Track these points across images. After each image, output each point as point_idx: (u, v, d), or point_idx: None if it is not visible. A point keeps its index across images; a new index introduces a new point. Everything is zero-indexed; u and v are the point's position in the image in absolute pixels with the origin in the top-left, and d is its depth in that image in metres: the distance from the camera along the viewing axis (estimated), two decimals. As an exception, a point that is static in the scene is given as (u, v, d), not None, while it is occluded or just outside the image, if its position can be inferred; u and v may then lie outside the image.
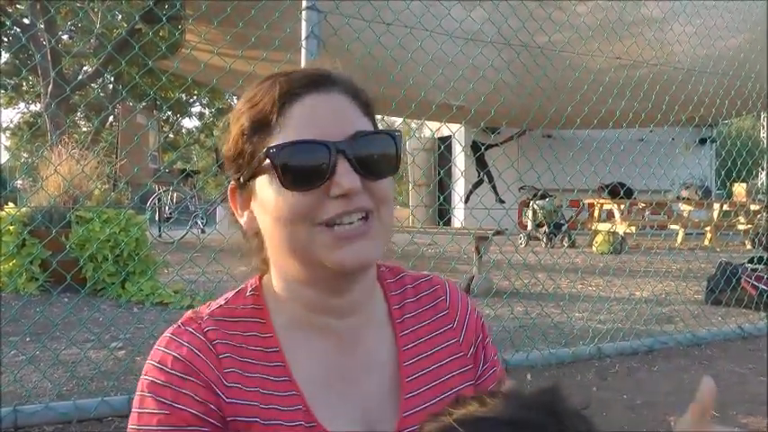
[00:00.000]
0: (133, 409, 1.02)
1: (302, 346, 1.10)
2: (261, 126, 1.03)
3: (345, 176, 0.98)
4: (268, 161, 1.01)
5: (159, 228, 12.52)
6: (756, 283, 6.33)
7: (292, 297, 1.10)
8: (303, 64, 3.73)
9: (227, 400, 1.02)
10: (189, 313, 1.11)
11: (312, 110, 1.02)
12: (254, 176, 1.05)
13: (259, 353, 1.07)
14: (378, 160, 1.03)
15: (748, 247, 12.93)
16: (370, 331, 1.16)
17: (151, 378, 1.02)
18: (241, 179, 1.07)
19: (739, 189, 14.49)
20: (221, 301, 1.13)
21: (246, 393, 1.03)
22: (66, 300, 5.68)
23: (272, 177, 1.02)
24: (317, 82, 1.04)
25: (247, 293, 1.14)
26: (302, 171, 0.99)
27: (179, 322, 1.09)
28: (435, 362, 1.18)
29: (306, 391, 1.06)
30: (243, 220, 1.11)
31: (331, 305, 1.10)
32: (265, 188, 1.03)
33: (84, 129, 24.78)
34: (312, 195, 0.99)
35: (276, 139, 1.01)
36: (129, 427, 1.02)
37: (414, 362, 1.15)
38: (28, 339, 4.57)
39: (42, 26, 15.65)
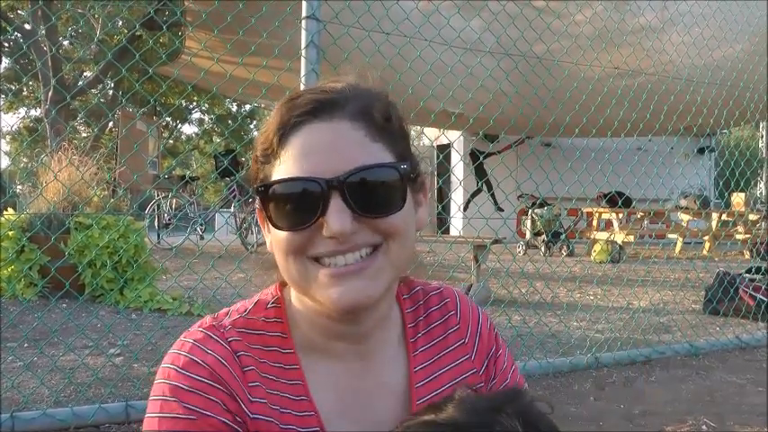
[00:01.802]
0: (151, 414, 0.97)
1: (319, 368, 1.07)
2: (266, 155, 1.00)
3: (335, 217, 0.93)
4: (257, 193, 0.98)
5: (158, 234, 12.52)
6: (754, 294, 6.33)
7: (308, 320, 1.07)
8: (303, 72, 3.74)
9: (251, 416, 0.99)
10: (208, 319, 1.07)
11: (308, 142, 0.96)
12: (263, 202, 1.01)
13: (278, 369, 1.04)
14: (378, 196, 0.96)
15: (747, 256, 12.95)
16: (386, 353, 1.13)
17: (174, 383, 0.97)
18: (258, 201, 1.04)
19: (738, 199, 14.51)
20: (241, 310, 1.09)
21: (268, 410, 1.01)
22: (64, 306, 5.69)
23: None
24: (317, 109, 0.98)
25: (268, 305, 1.10)
26: (291, 210, 0.95)
27: (199, 327, 1.04)
28: (446, 382, 1.14)
29: (321, 413, 1.04)
30: (267, 241, 1.06)
31: (345, 332, 1.06)
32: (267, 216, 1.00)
33: (84, 135, 24.81)
34: (306, 233, 0.95)
35: (276, 170, 0.98)
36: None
37: (424, 383, 1.13)
38: (26, 345, 4.57)
39: (43, 32, 15.67)
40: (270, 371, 1.04)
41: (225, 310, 1.10)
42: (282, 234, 0.97)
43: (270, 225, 1.00)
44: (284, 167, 0.97)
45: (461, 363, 1.18)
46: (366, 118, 0.99)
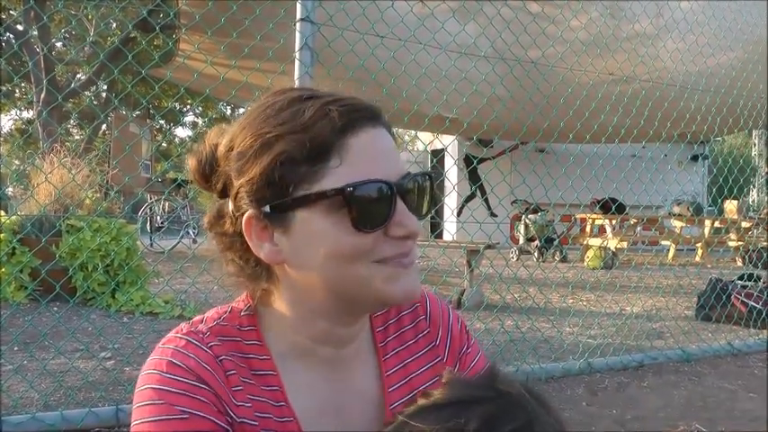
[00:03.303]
0: (141, 419, 0.94)
1: (296, 374, 1.07)
2: (315, 155, 0.95)
3: (409, 218, 0.98)
4: (330, 195, 0.94)
5: (150, 237, 12.48)
6: (746, 300, 6.34)
7: (298, 326, 1.06)
8: (297, 75, 3.73)
9: (237, 420, 0.98)
10: (184, 326, 1.05)
11: (372, 145, 0.98)
12: (292, 208, 0.97)
13: (256, 375, 1.04)
14: (424, 199, 1.03)
15: (739, 263, 12.98)
16: (359, 358, 1.14)
17: (160, 387, 0.95)
18: (268, 208, 0.98)
19: (730, 206, 14.56)
20: (215, 317, 1.07)
21: (252, 414, 1.00)
22: (55, 309, 5.65)
23: (329, 212, 0.95)
24: (370, 117, 0.99)
25: (242, 313, 1.08)
26: (372, 211, 0.96)
27: (177, 334, 1.03)
28: (418, 386, 1.15)
29: (300, 418, 1.04)
30: (263, 252, 1.01)
31: (337, 335, 1.07)
32: (315, 222, 0.96)
33: (77, 137, 24.73)
34: (375, 234, 0.96)
35: (335, 172, 0.95)
36: None
37: (397, 387, 1.14)
38: (16, 349, 4.54)
39: (36, 33, 15.62)
40: (249, 377, 1.03)
41: (198, 317, 1.09)
42: (351, 240, 0.96)
43: (317, 230, 0.97)
44: (349, 168, 0.95)
45: (434, 365, 1.19)
46: (391, 132, 1.05)
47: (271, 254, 1.01)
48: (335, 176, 0.94)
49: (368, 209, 0.95)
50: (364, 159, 0.96)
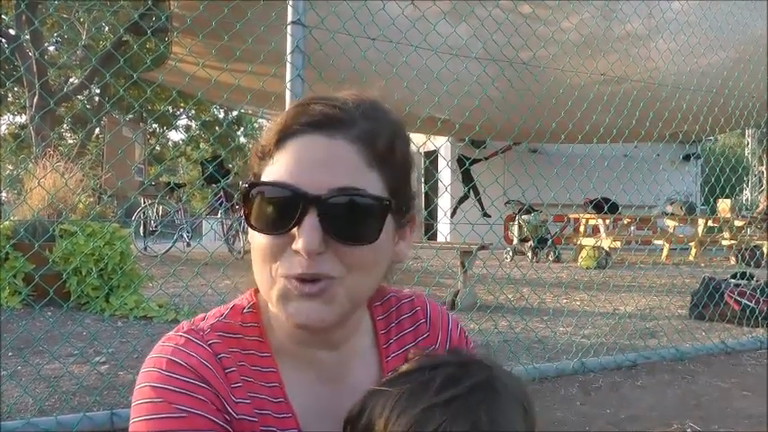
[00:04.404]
0: (139, 417, 0.95)
1: (295, 372, 1.07)
2: (263, 155, 1.01)
3: (305, 234, 0.91)
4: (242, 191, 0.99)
5: (144, 241, 12.46)
6: (740, 299, 6.36)
7: (280, 326, 1.06)
8: (288, 78, 3.73)
9: (237, 417, 0.99)
10: (185, 324, 1.06)
11: (303, 152, 0.96)
12: None
13: (256, 372, 1.04)
14: (354, 224, 0.95)
15: (732, 262, 13.02)
16: (359, 359, 1.14)
17: (160, 385, 0.95)
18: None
19: (723, 205, 14.61)
20: (217, 315, 1.09)
21: (251, 411, 1.01)
22: (49, 314, 5.63)
23: None
24: (321, 122, 0.97)
25: (244, 310, 1.09)
26: (268, 214, 0.95)
27: (178, 332, 1.04)
28: None
29: (299, 415, 1.05)
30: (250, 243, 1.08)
31: (316, 340, 1.06)
32: None
33: (70, 141, 24.67)
34: (278, 240, 0.95)
35: (264, 172, 0.99)
36: None
37: None
38: (10, 354, 4.52)
39: (28, 37, 15.57)
40: (249, 373, 1.03)
41: (201, 315, 1.10)
42: (257, 238, 0.98)
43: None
44: (274, 170, 0.97)
45: None
46: (368, 143, 0.98)
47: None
48: (265, 174, 0.99)
49: (259, 209, 0.96)
50: (287, 163, 0.96)
